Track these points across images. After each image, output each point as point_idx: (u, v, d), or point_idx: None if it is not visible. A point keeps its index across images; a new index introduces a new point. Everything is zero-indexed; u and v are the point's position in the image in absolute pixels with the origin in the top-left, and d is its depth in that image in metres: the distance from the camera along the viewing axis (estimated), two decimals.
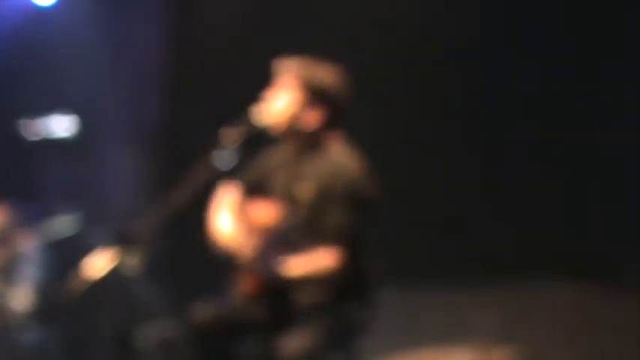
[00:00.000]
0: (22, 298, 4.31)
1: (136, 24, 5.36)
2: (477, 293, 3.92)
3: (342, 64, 2.82)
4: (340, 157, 2.78)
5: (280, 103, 2.77)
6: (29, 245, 4.44)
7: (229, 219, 2.83)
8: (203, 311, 2.79)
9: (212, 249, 2.84)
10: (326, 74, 2.79)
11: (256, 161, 2.90)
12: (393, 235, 3.93)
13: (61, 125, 4.75)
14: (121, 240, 2.72)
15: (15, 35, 5.34)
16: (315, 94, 2.75)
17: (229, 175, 2.75)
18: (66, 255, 4.81)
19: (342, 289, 2.72)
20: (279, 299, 2.73)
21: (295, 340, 2.61)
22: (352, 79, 2.82)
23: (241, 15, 4.90)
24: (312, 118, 2.76)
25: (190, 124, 4.96)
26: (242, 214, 2.83)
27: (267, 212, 2.76)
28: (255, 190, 2.88)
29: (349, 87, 2.81)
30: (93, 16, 5.42)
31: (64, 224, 4.79)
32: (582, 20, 4.10)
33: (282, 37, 4.34)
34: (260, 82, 2.90)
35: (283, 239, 2.68)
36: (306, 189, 2.74)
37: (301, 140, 2.80)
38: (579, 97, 4.07)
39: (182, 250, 4.78)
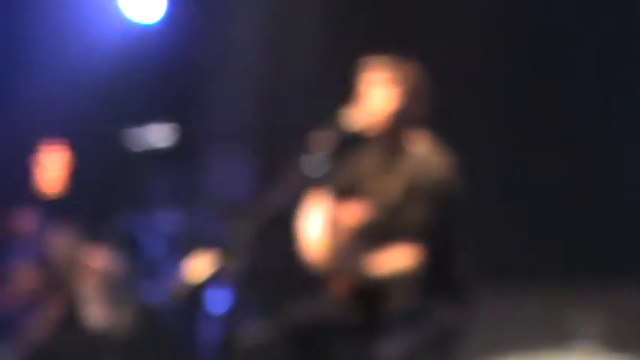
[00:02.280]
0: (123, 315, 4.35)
1: (233, 32, 5.45)
2: (583, 295, 3.76)
3: (428, 62, 2.78)
4: (428, 155, 2.73)
5: (376, 102, 2.73)
6: (105, 264, 4.44)
7: (319, 228, 2.81)
8: (297, 313, 2.79)
9: (301, 260, 2.83)
10: (416, 71, 2.76)
11: (346, 164, 2.88)
12: (496, 234, 3.86)
13: (161, 134, 4.85)
14: (221, 243, 2.74)
15: (120, 51, 5.51)
16: (411, 91, 2.72)
17: (321, 179, 2.73)
18: (170, 259, 4.92)
19: (431, 290, 2.66)
20: (371, 301, 2.70)
21: (391, 344, 2.57)
22: (440, 77, 2.78)
23: (330, 17, 4.90)
24: (407, 115, 2.73)
25: (287, 128, 4.99)
26: (333, 219, 2.81)
27: (357, 215, 2.73)
28: (346, 193, 2.86)
29: (435, 84, 2.77)
30: (193, 28, 5.54)
31: (168, 228, 4.90)
32: None
33: (369, 36, 4.31)
34: (349, 83, 2.87)
35: (369, 238, 2.64)
36: (394, 188, 2.71)
37: (392, 140, 2.76)
38: None
39: (276, 253, 4.81)
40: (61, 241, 4.29)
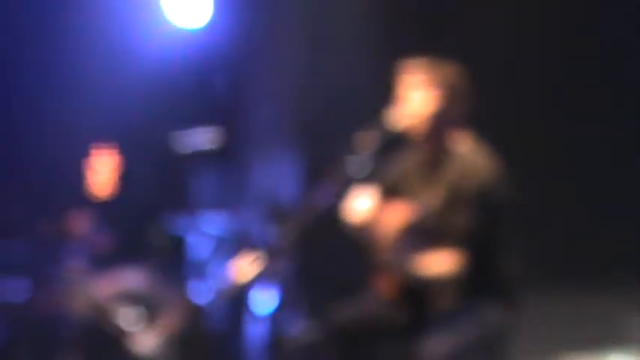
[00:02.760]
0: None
1: (276, 34, 5.48)
2: (635, 296, 3.70)
3: (469, 64, 2.76)
4: (471, 157, 2.71)
5: (417, 104, 2.72)
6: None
7: (366, 198, 2.82)
8: (344, 312, 2.79)
9: (349, 234, 2.85)
10: (457, 72, 2.74)
11: (389, 165, 2.87)
12: (546, 237, 3.81)
13: (207, 137, 4.90)
14: (267, 244, 2.76)
15: (165, 56, 5.59)
16: (450, 92, 2.71)
17: (364, 180, 2.74)
18: (217, 260, 4.96)
19: (476, 292, 2.65)
20: (418, 301, 2.69)
21: (436, 344, 2.56)
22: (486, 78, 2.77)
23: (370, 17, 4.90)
24: (448, 117, 2.72)
25: (331, 129, 5.00)
26: (377, 218, 2.82)
27: (400, 215, 2.73)
28: (389, 194, 2.86)
29: (476, 85, 2.76)
30: (237, 31, 5.59)
31: (214, 229, 4.95)
32: None
33: (414, 36, 4.30)
34: (391, 85, 2.87)
35: (415, 239, 2.64)
36: (437, 191, 2.69)
37: (434, 141, 2.75)
38: None
39: (322, 253, 4.81)
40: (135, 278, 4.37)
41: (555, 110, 4.14)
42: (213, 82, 5.69)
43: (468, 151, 2.74)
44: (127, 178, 5.16)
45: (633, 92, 4.04)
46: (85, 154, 5.05)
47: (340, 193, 2.66)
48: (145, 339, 4.27)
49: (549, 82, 4.13)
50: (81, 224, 4.81)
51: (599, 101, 4.08)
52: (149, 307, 4.45)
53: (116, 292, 4.42)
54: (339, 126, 4.79)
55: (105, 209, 4.92)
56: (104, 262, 4.68)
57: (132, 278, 4.54)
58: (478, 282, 2.61)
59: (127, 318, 4.33)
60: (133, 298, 4.40)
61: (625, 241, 3.91)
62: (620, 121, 4.04)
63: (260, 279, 4.14)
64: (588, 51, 4.08)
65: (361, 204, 2.86)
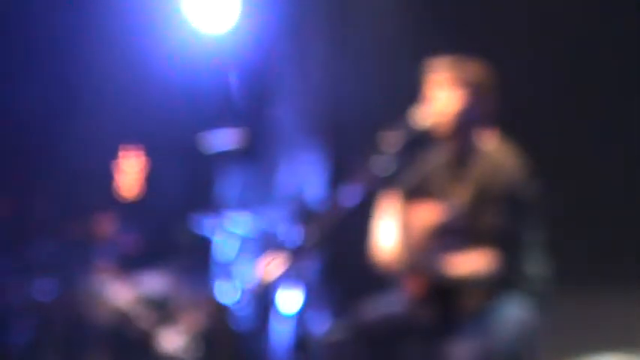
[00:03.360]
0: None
1: (302, 34, 5.49)
2: None
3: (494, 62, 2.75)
4: (498, 156, 2.68)
5: (442, 103, 2.70)
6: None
7: (392, 231, 2.81)
8: (371, 312, 2.78)
9: (372, 263, 2.83)
10: (482, 71, 2.73)
11: (416, 165, 2.86)
12: (565, 238, 3.77)
13: (233, 137, 4.91)
14: (293, 244, 2.76)
15: (191, 59, 5.61)
16: (476, 90, 2.69)
17: (390, 180, 2.72)
18: (243, 260, 4.97)
19: (504, 292, 2.62)
20: (445, 301, 2.67)
21: (463, 344, 2.54)
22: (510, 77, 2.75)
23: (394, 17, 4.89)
24: (474, 115, 2.70)
25: (357, 128, 5.00)
26: (404, 220, 2.80)
27: (428, 215, 2.71)
28: (415, 194, 2.84)
29: (500, 83, 2.74)
30: (264, 34, 5.60)
31: (241, 229, 4.96)
32: None
33: (432, 37, 4.27)
34: (416, 83, 2.86)
35: (444, 239, 2.62)
36: (465, 190, 2.67)
37: (460, 140, 2.73)
38: None
39: (348, 252, 4.80)
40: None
41: (583, 110, 4.10)
42: (239, 84, 5.70)
43: (494, 149, 2.71)
44: (153, 179, 5.19)
45: None
46: (112, 156, 5.09)
47: (367, 193, 2.65)
48: (170, 339, 4.29)
49: (576, 80, 4.09)
50: (108, 226, 4.84)
51: (629, 100, 4.03)
52: (173, 308, 4.47)
53: (139, 296, 4.45)
54: (364, 126, 4.79)
55: (132, 210, 4.95)
56: (131, 262, 4.71)
57: (154, 282, 4.57)
58: (507, 282, 2.59)
59: (150, 320, 4.36)
60: (155, 301, 4.43)
61: None
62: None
63: (286, 278, 4.15)
64: (612, 51, 4.03)
65: (388, 238, 2.82)
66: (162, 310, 4.42)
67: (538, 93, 4.05)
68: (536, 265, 2.68)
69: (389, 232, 2.81)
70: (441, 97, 2.70)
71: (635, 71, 4.02)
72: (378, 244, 2.83)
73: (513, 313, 2.62)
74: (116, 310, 4.36)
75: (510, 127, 2.76)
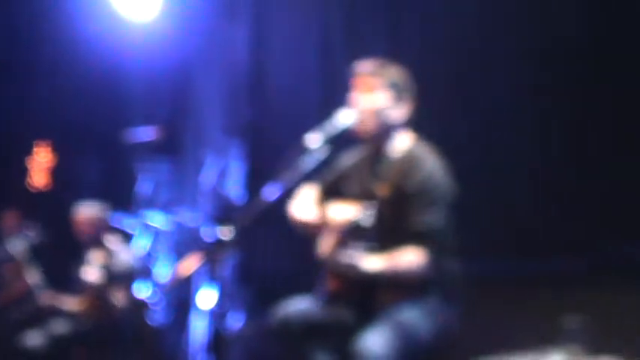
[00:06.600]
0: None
1: (226, 31, 5.43)
2: (576, 296, 3.71)
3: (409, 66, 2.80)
4: (415, 155, 2.72)
5: (366, 104, 2.73)
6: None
7: (310, 206, 2.82)
8: (286, 310, 2.76)
9: (294, 227, 2.83)
10: (403, 73, 2.77)
11: (334, 164, 2.86)
12: (483, 234, 3.82)
13: (152, 134, 4.85)
14: (211, 241, 2.71)
15: (113, 50, 5.49)
16: (398, 92, 2.72)
17: (310, 177, 2.71)
18: (161, 257, 4.88)
19: (423, 289, 2.63)
20: (362, 298, 2.67)
21: (378, 339, 2.53)
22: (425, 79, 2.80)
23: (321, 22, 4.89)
24: (398, 116, 2.73)
25: (278, 126, 4.97)
26: (320, 214, 2.80)
27: (344, 212, 2.71)
28: (333, 192, 2.85)
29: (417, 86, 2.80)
30: (187, 27, 5.52)
31: (158, 226, 4.87)
32: None
33: (361, 40, 4.29)
34: (342, 84, 2.87)
35: (360, 237, 2.62)
36: (381, 188, 2.69)
37: (378, 141, 2.76)
38: None
39: (266, 250, 4.77)
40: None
41: (493, 115, 4.17)
42: (162, 80, 5.61)
43: (411, 148, 2.75)
44: (62, 171, 5.09)
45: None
46: (24, 151, 4.96)
47: (287, 192, 2.62)
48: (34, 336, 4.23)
49: (494, 84, 4.17)
50: (16, 220, 4.74)
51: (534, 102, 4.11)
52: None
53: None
54: (288, 125, 4.77)
55: (42, 203, 4.85)
56: (42, 254, 4.60)
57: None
58: (425, 278, 2.60)
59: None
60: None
61: (568, 239, 3.93)
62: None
63: (203, 275, 4.09)
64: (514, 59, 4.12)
65: (307, 202, 2.84)
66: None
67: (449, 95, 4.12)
68: (453, 262, 2.70)
69: (308, 198, 2.82)
70: (362, 99, 2.74)
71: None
72: (297, 205, 2.83)
73: (430, 309, 2.63)
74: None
75: (426, 127, 2.81)
